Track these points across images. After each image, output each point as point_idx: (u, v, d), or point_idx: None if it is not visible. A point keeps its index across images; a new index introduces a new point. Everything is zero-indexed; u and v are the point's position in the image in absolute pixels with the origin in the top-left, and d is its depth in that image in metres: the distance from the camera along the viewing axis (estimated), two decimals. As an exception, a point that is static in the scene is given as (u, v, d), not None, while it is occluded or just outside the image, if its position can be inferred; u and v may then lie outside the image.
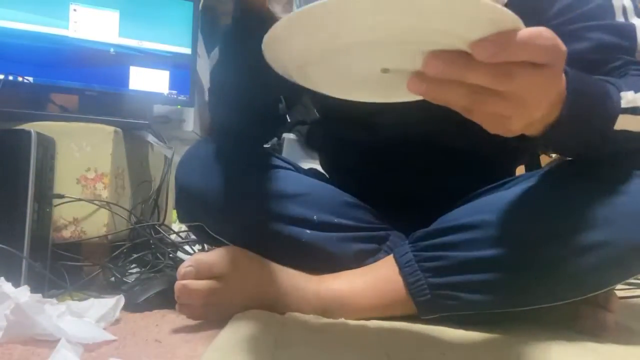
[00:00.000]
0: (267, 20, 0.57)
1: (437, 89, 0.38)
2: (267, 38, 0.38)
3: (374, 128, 0.75)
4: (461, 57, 0.36)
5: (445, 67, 0.37)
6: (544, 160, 1.25)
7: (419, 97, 0.44)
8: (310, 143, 0.90)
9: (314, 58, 0.39)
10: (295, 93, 0.82)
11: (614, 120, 0.54)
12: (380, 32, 0.36)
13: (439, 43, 0.37)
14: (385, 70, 0.41)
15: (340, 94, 0.47)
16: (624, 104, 0.54)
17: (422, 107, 0.70)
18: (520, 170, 0.87)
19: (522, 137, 0.53)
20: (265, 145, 0.85)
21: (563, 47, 0.39)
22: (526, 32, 0.36)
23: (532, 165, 0.86)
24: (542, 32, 0.37)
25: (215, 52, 0.71)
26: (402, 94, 0.45)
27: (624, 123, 0.54)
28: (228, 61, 0.68)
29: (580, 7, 0.63)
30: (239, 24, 0.64)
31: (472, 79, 0.37)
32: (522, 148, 0.79)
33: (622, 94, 0.55)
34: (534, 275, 0.59)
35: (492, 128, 0.44)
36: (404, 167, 0.75)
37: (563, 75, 0.44)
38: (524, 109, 0.41)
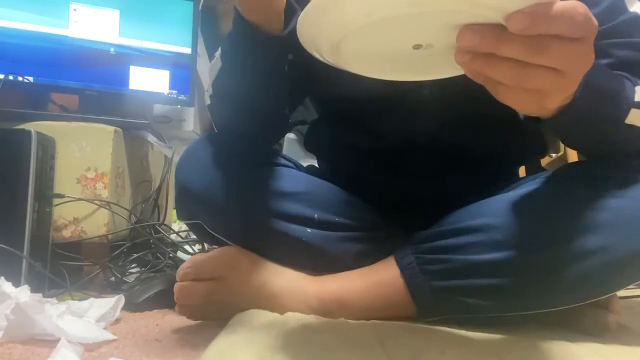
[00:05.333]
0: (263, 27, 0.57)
1: (480, 61, 0.38)
2: (302, 17, 0.38)
3: (375, 131, 0.75)
4: (495, 29, 0.37)
5: (478, 40, 0.37)
6: (544, 161, 1.25)
7: (450, 75, 0.45)
8: (307, 146, 0.89)
9: (346, 36, 0.39)
10: (298, 96, 0.81)
11: (626, 111, 0.54)
12: (415, 5, 0.35)
13: (474, 15, 0.37)
14: (417, 47, 0.41)
15: (372, 73, 0.46)
16: (638, 97, 0.54)
17: (425, 111, 0.70)
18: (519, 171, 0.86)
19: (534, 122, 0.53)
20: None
21: (595, 22, 0.39)
22: (561, 5, 0.36)
23: (533, 166, 0.86)
24: (576, 7, 0.37)
25: (218, 55, 0.70)
26: (433, 72, 0.46)
27: (635, 118, 0.54)
28: (234, 68, 0.67)
29: (609, 22, 0.62)
30: (244, 32, 0.62)
31: (505, 51, 0.37)
32: (526, 148, 0.79)
33: (638, 88, 0.55)
34: (536, 280, 0.58)
35: (527, 107, 0.45)
36: (405, 170, 0.75)
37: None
38: (563, 83, 0.41)
